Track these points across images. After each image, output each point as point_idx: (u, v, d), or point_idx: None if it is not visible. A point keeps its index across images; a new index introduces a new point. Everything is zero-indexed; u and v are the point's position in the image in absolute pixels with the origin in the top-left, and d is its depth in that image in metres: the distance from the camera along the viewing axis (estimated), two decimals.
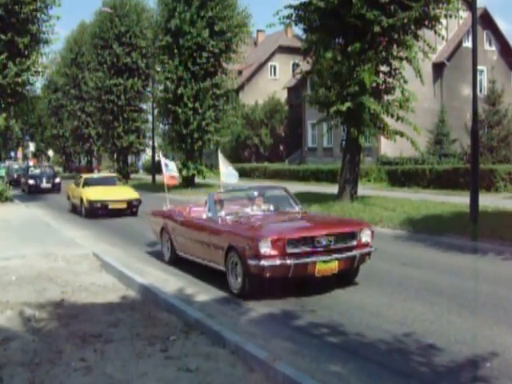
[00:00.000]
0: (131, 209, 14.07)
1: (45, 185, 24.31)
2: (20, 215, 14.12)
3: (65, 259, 7.86)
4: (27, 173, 25.68)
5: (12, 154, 60.11)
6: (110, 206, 13.83)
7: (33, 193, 23.51)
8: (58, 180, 24.77)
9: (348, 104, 12.94)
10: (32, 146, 63.49)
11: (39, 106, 39.01)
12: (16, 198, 19.67)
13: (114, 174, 19.63)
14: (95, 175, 18.59)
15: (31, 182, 24.40)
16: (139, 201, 14.15)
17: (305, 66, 15.20)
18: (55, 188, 24.35)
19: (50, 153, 54.22)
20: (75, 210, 15.20)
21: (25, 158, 62.33)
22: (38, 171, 26.03)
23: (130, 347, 4.14)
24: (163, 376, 3.58)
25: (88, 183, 14.98)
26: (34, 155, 63.72)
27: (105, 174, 24.01)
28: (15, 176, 30.42)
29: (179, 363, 3.78)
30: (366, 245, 5.95)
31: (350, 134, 13.77)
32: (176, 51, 21.89)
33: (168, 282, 6.47)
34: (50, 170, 27.25)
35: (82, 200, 14.15)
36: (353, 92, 12.99)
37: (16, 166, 34.16)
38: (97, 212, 13.94)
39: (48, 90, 43.35)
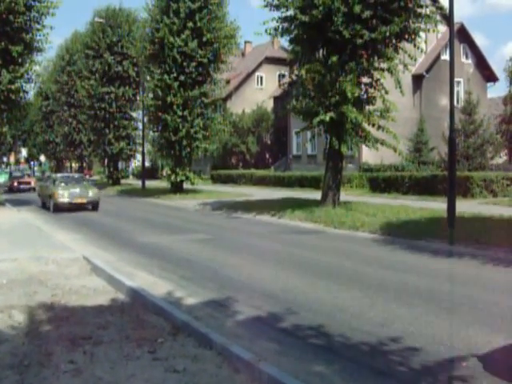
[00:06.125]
0: None
1: None
2: (11, 219, 13.98)
3: (55, 262, 7.83)
4: None
5: (4, 159, 59.40)
6: None
7: None
8: None
9: (331, 114, 13.16)
10: (24, 152, 62.84)
11: (31, 112, 38.90)
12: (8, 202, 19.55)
13: None
14: None
15: None
16: None
17: (290, 77, 15.45)
18: None
19: (42, 158, 53.80)
20: None
21: (17, 162, 61.75)
22: None
23: (119, 349, 4.17)
24: (151, 377, 3.62)
25: None
26: (27, 160, 63.11)
27: None
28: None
29: (167, 364, 3.81)
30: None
31: (332, 143, 14.03)
32: (162, 60, 22.01)
33: (156, 285, 6.51)
34: None
35: None
36: (335, 102, 13.24)
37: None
38: None
39: (40, 97, 43.17)
